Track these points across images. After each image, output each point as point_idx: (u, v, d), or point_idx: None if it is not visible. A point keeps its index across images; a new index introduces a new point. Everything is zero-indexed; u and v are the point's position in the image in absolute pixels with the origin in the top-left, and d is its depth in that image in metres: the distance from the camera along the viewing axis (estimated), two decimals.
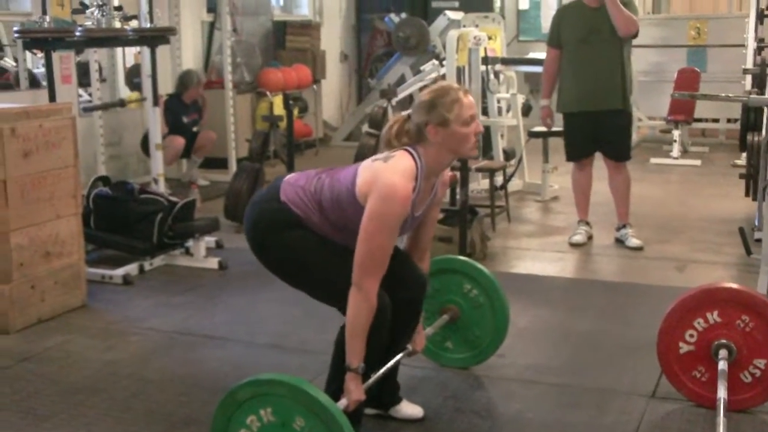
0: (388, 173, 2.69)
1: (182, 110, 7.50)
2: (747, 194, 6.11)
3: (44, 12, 5.79)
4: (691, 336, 3.21)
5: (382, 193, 2.65)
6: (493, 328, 3.54)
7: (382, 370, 2.93)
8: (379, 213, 2.65)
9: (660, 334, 3.26)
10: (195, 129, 7.63)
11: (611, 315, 4.47)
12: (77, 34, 5.33)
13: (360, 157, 6.21)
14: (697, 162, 8.97)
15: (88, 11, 5.90)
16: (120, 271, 4.99)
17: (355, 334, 2.69)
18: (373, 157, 2.85)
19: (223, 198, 6.35)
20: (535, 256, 5.66)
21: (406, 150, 2.79)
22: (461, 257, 3.81)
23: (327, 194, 2.82)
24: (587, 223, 5.83)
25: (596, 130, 5.55)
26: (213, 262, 5.28)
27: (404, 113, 2.90)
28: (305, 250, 2.86)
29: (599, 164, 5.77)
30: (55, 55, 5.35)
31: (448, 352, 3.64)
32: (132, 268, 5.07)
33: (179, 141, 7.34)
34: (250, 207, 2.99)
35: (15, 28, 5.38)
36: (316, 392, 2.43)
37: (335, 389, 2.83)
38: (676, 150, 8.99)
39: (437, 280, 3.46)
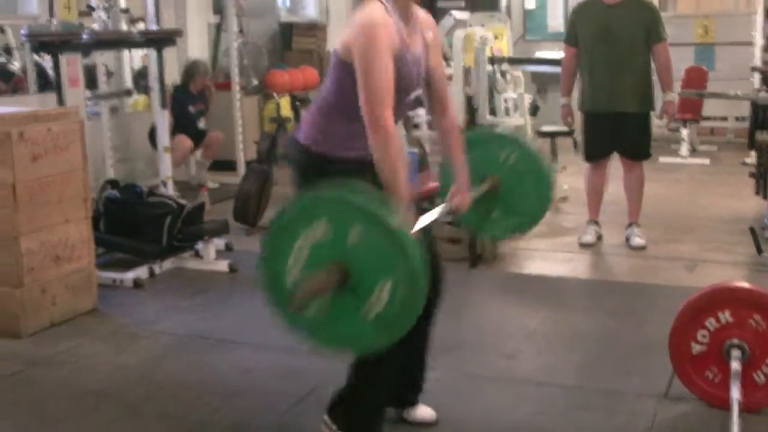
0: (359, 17, 2.68)
1: (189, 100, 7.51)
2: (757, 193, 6.09)
3: (51, 15, 5.82)
4: (704, 336, 3.20)
5: (361, 29, 2.64)
6: (536, 193, 3.42)
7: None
8: (366, 45, 2.62)
9: (671, 335, 3.25)
10: (201, 126, 7.63)
11: (622, 315, 4.46)
12: (84, 36, 5.34)
13: None
14: (706, 161, 8.95)
15: (95, 13, 5.92)
16: (130, 275, 5.00)
17: (393, 169, 2.61)
18: None
19: (233, 200, 6.35)
20: (545, 256, 5.64)
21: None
22: (495, 130, 3.67)
23: (328, 89, 2.80)
24: (597, 223, 5.81)
25: (615, 130, 5.51)
26: (223, 265, 5.28)
27: None
28: None
29: (612, 163, 5.74)
30: (63, 58, 5.36)
31: (494, 223, 3.51)
32: (142, 272, 5.08)
33: (187, 142, 7.35)
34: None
35: (22, 31, 5.39)
36: (374, 211, 2.35)
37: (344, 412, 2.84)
38: (684, 149, 8.97)
39: (473, 153, 3.30)
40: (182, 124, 7.32)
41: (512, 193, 3.40)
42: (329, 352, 2.59)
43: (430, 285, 2.68)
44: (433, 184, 5.75)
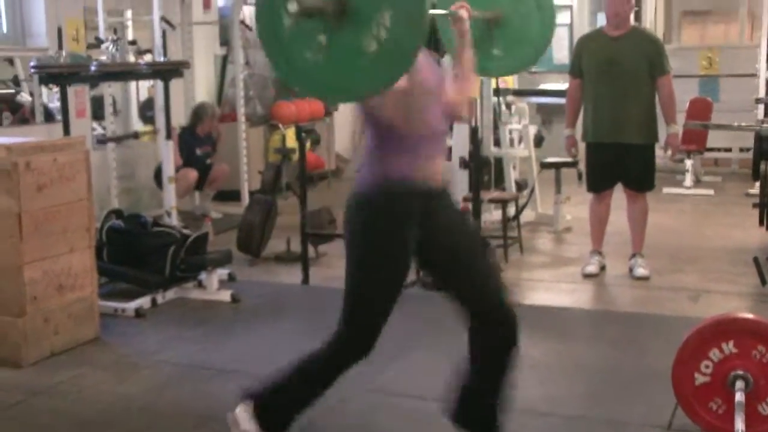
0: None
1: (196, 142, 7.54)
2: (761, 224, 6.07)
3: (60, 47, 5.88)
4: (707, 367, 3.18)
5: None
6: (539, 21, 3.33)
7: None
8: None
9: (675, 365, 3.23)
10: (208, 161, 7.67)
11: (625, 346, 4.44)
12: (92, 68, 5.39)
13: None
14: (710, 191, 8.95)
15: (103, 46, 5.99)
16: (132, 304, 5.00)
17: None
18: None
19: (236, 230, 6.36)
20: (549, 287, 5.63)
21: None
22: None
23: (371, 126, 2.75)
24: (600, 254, 5.80)
25: (618, 161, 5.51)
26: (225, 295, 5.28)
27: None
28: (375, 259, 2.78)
29: (616, 194, 5.74)
30: (70, 90, 5.41)
31: (497, 61, 3.41)
32: (144, 301, 5.08)
33: (192, 174, 7.38)
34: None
35: (31, 63, 5.44)
36: None
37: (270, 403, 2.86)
38: (688, 179, 8.97)
39: None
40: (188, 166, 7.36)
41: (514, 22, 3.30)
42: (329, 98, 2.55)
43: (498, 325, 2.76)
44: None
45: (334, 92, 2.43)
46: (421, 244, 2.78)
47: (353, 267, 2.78)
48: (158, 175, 6.61)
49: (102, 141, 6.88)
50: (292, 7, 2.23)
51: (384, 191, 2.72)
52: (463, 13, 2.82)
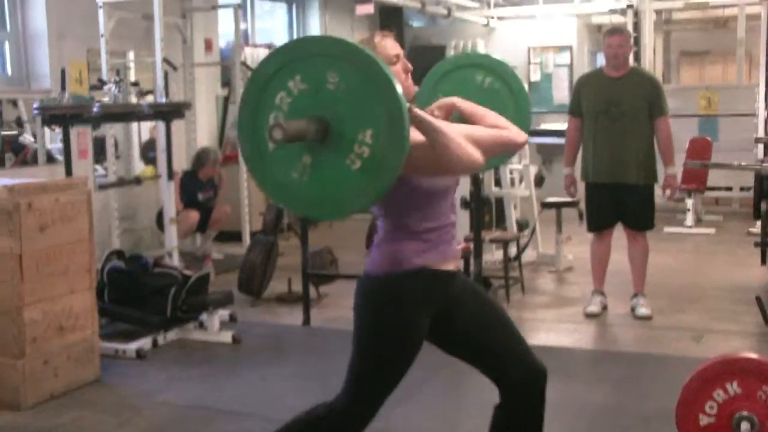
0: None
1: (197, 187, 7.55)
2: (763, 263, 6.06)
3: (63, 89, 5.92)
4: (711, 408, 3.16)
5: None
6: (514, 109, 3.25)
7: None
8: None
9: (679, 406, 3.21)
10: (209, 205, 7.68)
11: (628, 387, 4.41)
12: (94, 110, 5.43)
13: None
14: (711, 230, 8.95)
15: (105, 87, 6.02)
16: (133, 345, 4.98)
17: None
18: None
19: (238, 271, 6.36)
20: (551, 327, 5.61)
21: None
22: (465, 55, 3.55)
23: (384, 214, 2.71)
24: (602, 293, 5.79)
25: (618, 201, 5.53)
26: (227, 336, 5.26)
27: None
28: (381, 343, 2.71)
29: (616, 234, 5.74)
30: (73, 131, 5.44)
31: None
32: (145, 342, 5.06)
33: (194, 215, 7.38)
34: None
35: (35, 105, 5.48)
36: (343, 40, 2.32)
37: None
38: (689, 219, 8.98)
39: (445, 81, 3.23)
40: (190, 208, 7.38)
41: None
42: (316, 215, 2.54)
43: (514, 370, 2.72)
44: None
45: (320, 209, 2.45)
46: (440, 328, 2.74)
47: (361, 350, 2.72)
48: (160, 218, 6.63)
49: (103, 186, 6.91)
50: (277, 134, 2.27)
51: (394, 280, 2.68)
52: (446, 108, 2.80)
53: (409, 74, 2.73)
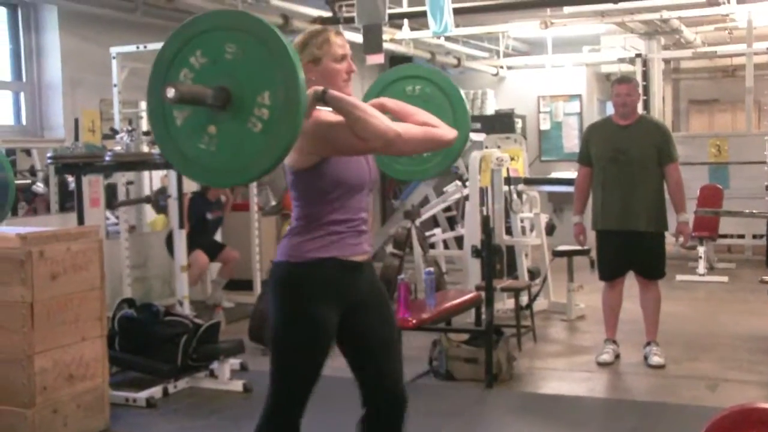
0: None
1: (206, 207, 7.56)
2: None
3: (76, 138, 5.98)
4: None
5: (313, 118, 2.68)
6: (451, 110, 3.29)
7: None
8: (325, 116, 2.68)
9: None
10: (218, 238, 7.67)
11: None
12: (107, 158, 5.47)
13: (384, 278, 6.21)
14: (724, 278, 8.90)
15: (118, 136, 6.07)
16: (143, 394, 4.95)
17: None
18: None
19: (248, 320, 6.34)
20: (563, 376, 5.56)
21: None
22: (397, 68, 3.59)
23: (296, 200, 2.81)
24: (614, 342, 5.75)
25: (628, 249, 5.50)
26: (237, 385, 5.23)
27: None
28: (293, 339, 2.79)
29: (628, 282, 5.71)
30: (85, 179, 5.47)
31: (421, 163, 3.42)
32: (156, 391, 5.03)
33: (203, 258, 7.38)
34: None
35: (48, 154, 5.53)
36: (235, 11, 2.48)
37: None
38: (701, 267, 8.93)
39: (386, 92, 3.26)
40: (198, 231, 7.34)
41: None
42: (223, 181, 2.73)
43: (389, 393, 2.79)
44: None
45: (227, 176, 2.55)
46: (345, 323, 2.82)
47: (272, 342, 2.83)
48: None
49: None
50: (170, 93, 2.39)
51: (294, 269, 2.77)
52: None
53: (350, 75, 2.84)
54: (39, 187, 7.12)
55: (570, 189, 7.01)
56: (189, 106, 2.47)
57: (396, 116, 2.82)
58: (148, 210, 8.22)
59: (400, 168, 3.49)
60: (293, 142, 2.44)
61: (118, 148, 5.91)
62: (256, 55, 2.40)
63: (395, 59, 11.10)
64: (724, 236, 9.92)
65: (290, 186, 2.81)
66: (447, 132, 2.83)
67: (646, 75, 10.63)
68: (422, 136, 2.76)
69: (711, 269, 9.24)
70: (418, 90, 3.35)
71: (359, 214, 2.82)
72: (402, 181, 10.20)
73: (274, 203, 9.07)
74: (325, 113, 2.69)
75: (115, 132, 6.49)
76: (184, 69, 2.49)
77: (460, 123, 3.22)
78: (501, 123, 10.72)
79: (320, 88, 2.66)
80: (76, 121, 6.73)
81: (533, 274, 7.38)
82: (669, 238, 5.75)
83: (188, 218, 6.92)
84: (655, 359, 5.54)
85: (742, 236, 10.26)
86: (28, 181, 7.19)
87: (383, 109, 2.81)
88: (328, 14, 8.39)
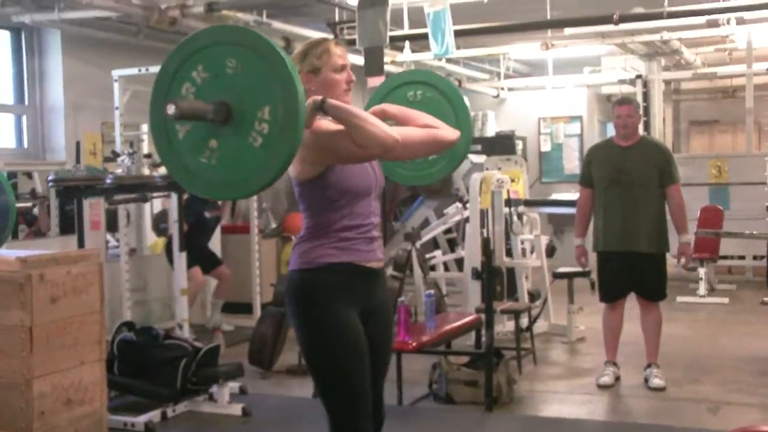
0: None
1: (204, 206, 7.46)
2: None
3: (78, 161, 6.00)
4: None
5: (316, 126, 2.70)
6: (453, 113, 3.29)
7: None
8: (327, 124, 2.70)
9: None
10: (216, 252, 7.63)
11: None
12: (107, 181, 5.48)
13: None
14: (725, 300, 8.88)
15: (119, 159, 6.09)
16: (142, 418, 4.94)
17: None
18: None
19: (248, 343, 6.33)
20: (563, 399, 5.54)
21: None
22: (399, 74, 3.61)
23: (304, 210, 2.82)
24: (615, 364, 5.73)
25: (629, 270, 5.50)
26: (237, 409, 5.21)
27: None
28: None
29: (628, 304, 5.70)
30: (86, 202, 5.49)
31: (425, 167, 3.42)
32: (155, 415, 5.01)
33: (199, 276, 7.35)
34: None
35: (49, 177, 5.54)
36: (235, 27, 2.50)
37: None
38: (702, 288, 8.91)
39: (389, 98, 3.26)
40: (197, 231, 7.25)
41: None
42: (225, 195, 2.72)
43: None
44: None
45: (228, 189, 2.58)
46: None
47: (308, 360, 2.86)
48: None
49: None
50: (170, 110, 2.41)
51: (308, 276, 2.79)
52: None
53: (350, 85, 2.85)
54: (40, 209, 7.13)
55: (570, 210, 7.02)
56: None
57: (398, 121, 2.84)
58: (149, 233, 8.23)
59: (404, 173, 3.49)
60: (293, 156, 2.46)
61: (119, 170, 5.93)
62: (256, 70, 2.43)
63: None
64: (725, 257, 9.90)
65: (298, 197, 2.82)
66: (449, 133, 2.85)
67: (646, 96, 10.67)
68: (423, 138, 2.78)
69: (712, 290, 9.22)
70: (419, 95, 3.36)
71: (369, 219, 2.84)
72: (403, 201, 10.23)
73: (274, 226, 9.07)
74: (325, 123, 2.70)
75: (116, 155, 6.51)
76: (186, 83, 2.51)
77: (462, 125, 3.24)
78: (501, 144, 10.74)
79: (319, 97, 2.67)
80: (78, 144, 6.76)
81: (533, 296, 7.37)
82: (670, 260, 5.73)
83: (186, 217, 6.86)
84: (656, 381, 5.53)
85: (742, 257, 10.25)
86: (29, 204, 7.21)
87: (385, 116, 2.83)
88: (329, 36, 8.43)
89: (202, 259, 7.40)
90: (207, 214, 7.56)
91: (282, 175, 2.49)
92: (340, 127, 2.66)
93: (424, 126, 2.81)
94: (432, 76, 3.45)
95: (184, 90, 2.51)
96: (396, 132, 2.67)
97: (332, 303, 2.75)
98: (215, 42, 2.49)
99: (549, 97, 12.31)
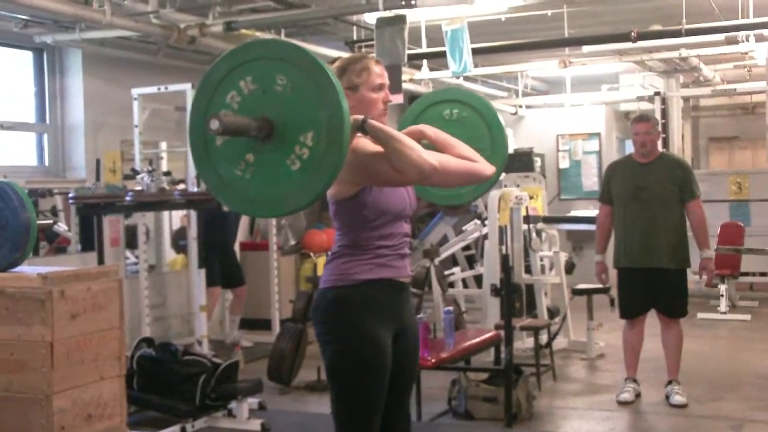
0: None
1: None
2: None
3: (98, 179, 6.04)
4: None
5: (353, 145, 2.67)
6: (489, 134, 3.26)
7: None
8: (364, 142, 2.68)
9: None
10: (235, 261, 7.63)
11: None
12: (127, 198, 5.52)
13: None
14: (747, 317, 8.80)
15: (138, 177, 6.14)
16: None
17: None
18: None
19: (267, 359, 6.34)
20: (582, 415, 5.51)
21: None
22: (434, 92, 3.60)
23: (339, 228, 2.80)
24: (635, 381, 5.70)
25: (650, 287, 5.47)
26: (256, 425, 5.21)
27: None
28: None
29: (650, 321, 5.67)
30: (105, 219, 5.52)
31: (459, 188, 3.32)
32: (174, 431, 5.02)
33: (216, 291, 7.36)
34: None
35: (70, 194, 5.58)
36: (291, 43, 2.44)
37: None
38: (723, 305, 8.82)
39: (423, 118, 3.22)
40: (215, 226, 7.19)
41: (468, 142, 3.13)
42: (255, 212, 2.74)
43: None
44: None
45: (261, 207, 2.55)
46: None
47: (330, 370, 2.80)
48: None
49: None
50: (214, 125, 2.37)
51: (341, 293, 2.75)
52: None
53: (386, 105, 2.83)
54: (60, 227, 7.18)
55: (589, 227, 7.01)
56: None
57: (435, 146, 2.82)
58: (168, 250, 8.27)
59: (435, 192, 3.46)
60: (331, 184, 2.44)
61: (138, 188, 5.97)
62: (305, 92, 2.39)
63: (415, 99, 11.18)
64: (746, 274, 9.82)
65: (332, 215, 2.80)
66: (485, 168, 2.83)
67: (665, 113, 10.63)
68: (459, 170, 2.76)
69: (733, 307, 9.14)
70: (455, 114, 3.34)
71: (402, 238, 2.84)
72: (422, 218, 10.23)
73: (293, 242, 9.10)
74: (365, 142, 2.68)
75: (135, 172, 6.56)
76: (233, 92, 2.46)
77: (496, 146, 3.24)
78: (520, 162, 10.74)
79: (360, 117, 2.63)
80: (98, 161, 6.80)
81: (552, 312, 7.34)
82: (690, 276, 5.70)
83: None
84: (677, 398, 5.48)
85: (764, 274, 10.15)
86: (50, 221, 7.26)
87: (421, 137, 2.81)
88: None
89: (228, 269, 7.40)
90: (225, 208, 7.52)
91: (317, 200, 2.46)
92: (380, 148, 2.63)
93: (462, 157, 2.78)
94: (467, 96, 3.43)
95: (229, 99, 2.46)
96: (434, 159, 2.64)
97: (365, 322, 2.73)
98: (268, 56, 2.44)
99: (567, 115, 12.30)
